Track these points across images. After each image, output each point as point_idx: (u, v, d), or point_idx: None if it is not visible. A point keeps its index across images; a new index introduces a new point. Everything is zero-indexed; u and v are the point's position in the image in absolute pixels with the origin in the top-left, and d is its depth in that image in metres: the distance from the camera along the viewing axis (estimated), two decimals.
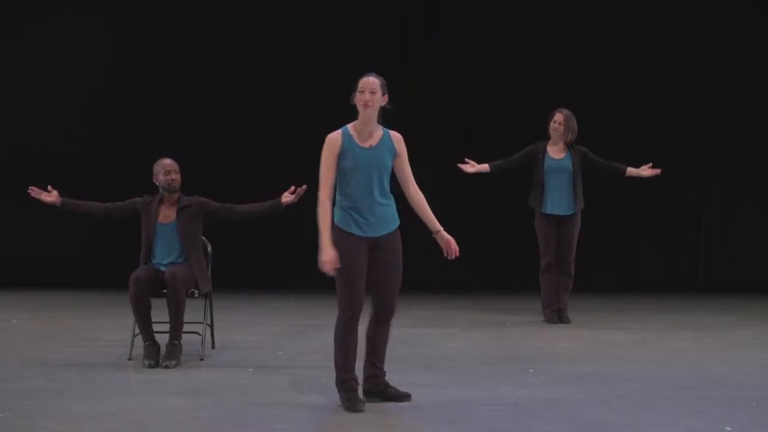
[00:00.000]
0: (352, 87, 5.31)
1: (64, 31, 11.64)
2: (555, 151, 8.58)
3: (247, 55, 11.51)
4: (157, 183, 6.70)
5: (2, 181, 11.38)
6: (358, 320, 5.30)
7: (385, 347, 5.44)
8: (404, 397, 5.38)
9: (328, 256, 5.10)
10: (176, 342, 6.46)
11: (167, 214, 6.65)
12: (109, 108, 11.52)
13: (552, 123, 8.58)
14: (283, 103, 11.40)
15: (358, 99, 5.22)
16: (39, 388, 5.69)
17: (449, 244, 5.28)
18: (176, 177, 6.67)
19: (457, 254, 5.28)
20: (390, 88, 5.30)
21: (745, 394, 5.59)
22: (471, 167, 8.55)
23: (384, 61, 11.40)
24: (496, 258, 11.10)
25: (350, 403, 5.21)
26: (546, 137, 8.64)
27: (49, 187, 6.77)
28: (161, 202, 6.68)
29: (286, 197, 6.69)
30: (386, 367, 5.79)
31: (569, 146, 8.59)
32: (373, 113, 5.24)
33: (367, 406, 5.31)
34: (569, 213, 8.52)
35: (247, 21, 11.53)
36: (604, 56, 11.30)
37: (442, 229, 5.32)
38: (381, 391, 5.39)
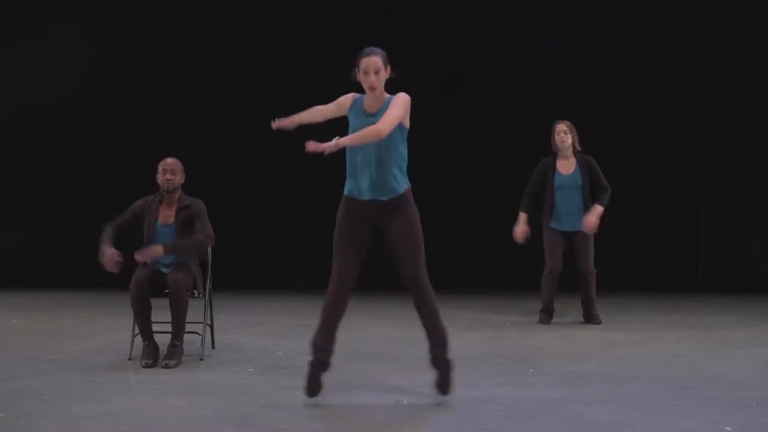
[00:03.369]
0: (349, 66, 5.27)
1: (65, 31, 11.65)
2: (564, 166, 8.48)
3: (247, 57, 11.51)
4: (158, 181, 6.68)
5: (2, 181, 11.39)
6: (342, 291, 5.23)
7: (433, 325, 5.33)
8: (440, 386, 5.32)
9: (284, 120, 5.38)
10: (178, 343, 6.46)
11: (167, 215, 6.64)
12: (109, 109, 11.52)
13: (556, 136, 8.48)
14: (284, 105, 11.39)
15: (364, 81, 5.17)
16: (39, 388, 5.69)
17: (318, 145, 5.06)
18: (172, 177, 6.60)
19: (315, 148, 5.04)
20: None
21: (745, 394, 5.59)
22: (523, 234, 8.42)
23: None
24: (496, 258, 11.11)
25: (305, 386, 5.26)
26: (551, 153, 8.55)
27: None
28: (161, 202, 6.66)
29: None
30: (387, 367, 5.80)
31: (577, 158, 8.50)
32: (380, 91, 5.20)
33: (368, 407, 5.33)
34: (579, 228, 8.48)
35: (248, 22, 11.53)
36: (605, 56, 11.30)
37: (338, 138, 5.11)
38: (434, 375, 5.36)
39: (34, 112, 11.51)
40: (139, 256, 6.28)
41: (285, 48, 11.49)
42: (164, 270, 6.56)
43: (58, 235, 11.19)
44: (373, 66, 5.14)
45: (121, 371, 6.26)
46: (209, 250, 6.88)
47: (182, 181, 6.69)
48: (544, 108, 11.08)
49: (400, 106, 5.13)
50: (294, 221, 11.29)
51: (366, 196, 5.25)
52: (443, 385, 5.34)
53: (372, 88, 5.16)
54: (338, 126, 5.34)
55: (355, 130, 5.16)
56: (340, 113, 5.39)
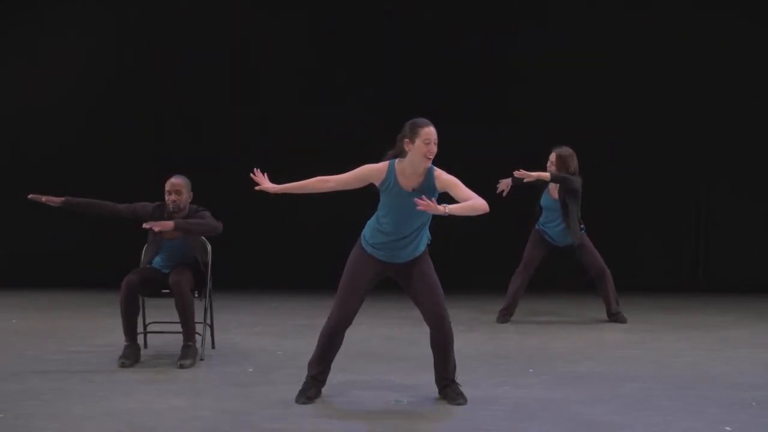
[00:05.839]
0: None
1: (65, 31, 11.65)
2: (553, 189, 8.45)
3: (247, 56, 11.50)
4: (166, 202, 6.64)
5: (2, 181, 11.38)
6: (342, 331, 5.35)
7: (445, 354, 5.38)
8: (456, 399, 5.35)
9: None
10: (190, 344, 6.49)
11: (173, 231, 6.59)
12: (109, 109, 11.51)
13: (548, 163, 8.38)
14: (284, 105, 11.38)
15: (423, 150, 5.13)
16: (39, 388, 5.69)
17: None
18: (177, 198, 6.54)
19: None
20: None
21: (745, 394, 5.59)
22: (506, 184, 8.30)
23: (383, 69, 11.45)
24: (496, 258, 11.09)
25: (298, 393, 5.36)
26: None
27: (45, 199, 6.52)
28: (170, 217, 6.57)
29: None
30: (388, 367, 5.76)
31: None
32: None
33: (368, 407, 5.34)
34: (566, 244, 8.52)
35: (249, 27, 11.52)
36: (605, 56, 11.28)
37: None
38: (443, 393, 5.42)
39: (34, 112, 11.50)
40: (148, 225, 6.27)
41: (285, 47, 11.48)
42: (165, 271, 6.58)
43: (58, 235, 11.18)
44: (435, 137, 5.18)
45: (121, 371, 6.26)
46: (209, 250, 6.88)
47: (189, 199, 6.64)
48: (546, 107, 11.09)
49: (459, 182, 5.20)
50: (294, 221, 11.27)
51: (389, 260, 5.31)
52: (459, 397, 5.36)
53: (430, 158, 5.16)
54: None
55: (392, 208, 5.16)
56: (357, 185, 5.31)
